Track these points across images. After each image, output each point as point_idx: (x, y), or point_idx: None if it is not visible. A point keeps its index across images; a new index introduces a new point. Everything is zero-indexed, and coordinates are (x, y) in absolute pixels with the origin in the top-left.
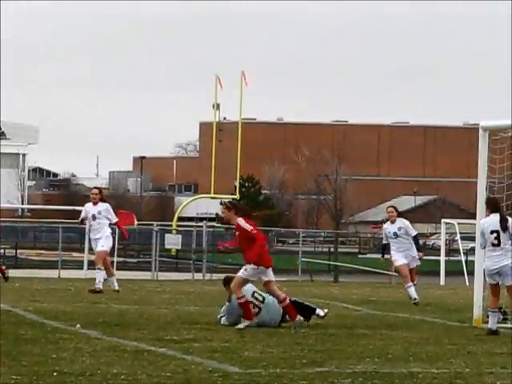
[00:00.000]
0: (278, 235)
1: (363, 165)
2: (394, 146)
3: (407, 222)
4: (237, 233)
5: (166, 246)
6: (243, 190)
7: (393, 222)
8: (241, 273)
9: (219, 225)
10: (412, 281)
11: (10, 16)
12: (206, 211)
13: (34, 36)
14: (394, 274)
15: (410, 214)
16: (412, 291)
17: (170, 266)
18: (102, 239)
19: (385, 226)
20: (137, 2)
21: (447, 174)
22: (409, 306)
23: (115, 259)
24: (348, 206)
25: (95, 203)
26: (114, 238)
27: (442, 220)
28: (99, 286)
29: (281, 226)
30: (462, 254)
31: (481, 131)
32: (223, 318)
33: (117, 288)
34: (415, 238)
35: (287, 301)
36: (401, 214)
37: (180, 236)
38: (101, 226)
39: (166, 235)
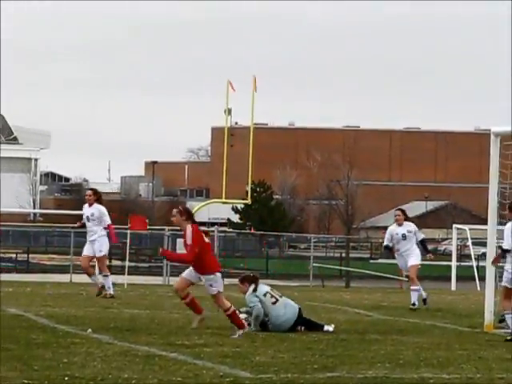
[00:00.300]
0: (289, 240)
1: (374, 170)
2: (406, 151)
3: (415, 226)
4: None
5: (178, 251)
6: (255, 194)
7: (400, 225)
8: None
9: (231, 229)
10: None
11: (10, 16)
12: (218, 216)
13: (42, 37)
14: (405, 279)
15: (421, 220)
16: (414, 295)
17: (181, 271)
18: (98, 244)
19: (391, 227)
20: (137, 3)
21: (458, 180)
22: (420, 312)
23: (127, 264)
24: (359, 212)
25: (90, 204)
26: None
27: (454, 225)
28: (110, 291)
29: (292, 231)
30: (473, 260)
31: (492, 137)
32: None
33: (100, 286)
34: (423, 242)
35: (231, 310)
36: (408, 218)
37: None
38: (94, 229)
39: (178, 240)
